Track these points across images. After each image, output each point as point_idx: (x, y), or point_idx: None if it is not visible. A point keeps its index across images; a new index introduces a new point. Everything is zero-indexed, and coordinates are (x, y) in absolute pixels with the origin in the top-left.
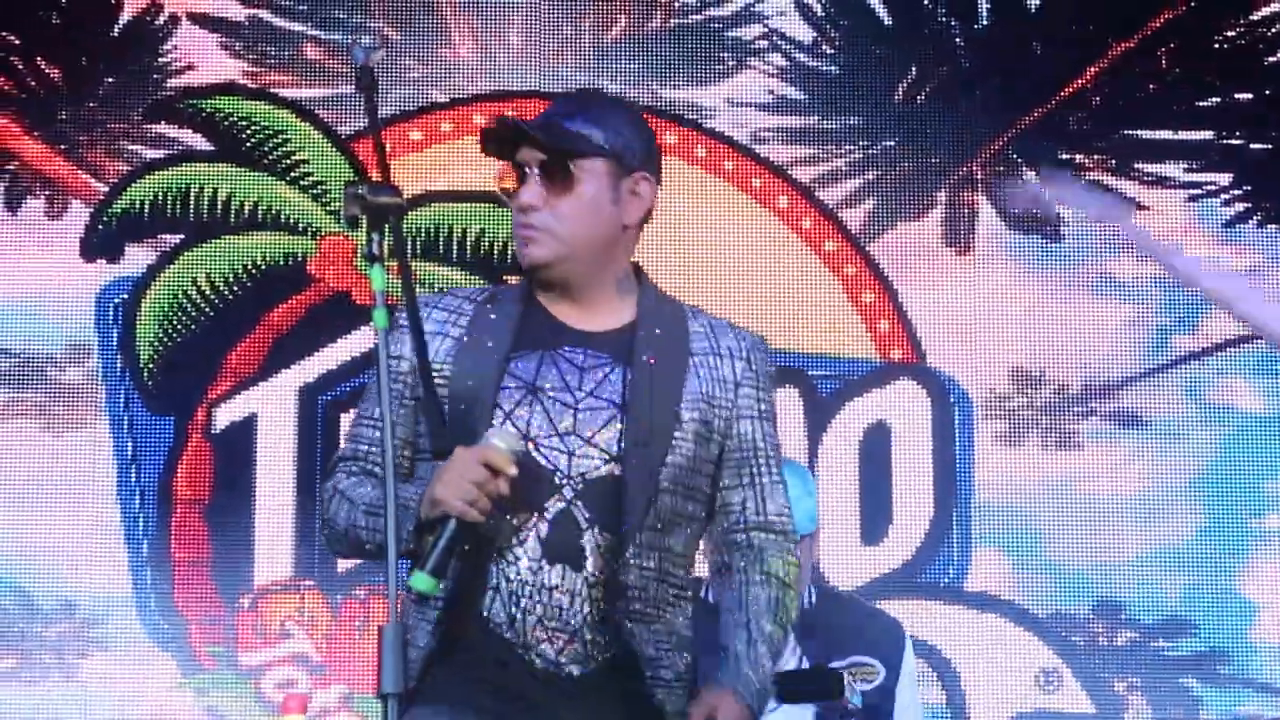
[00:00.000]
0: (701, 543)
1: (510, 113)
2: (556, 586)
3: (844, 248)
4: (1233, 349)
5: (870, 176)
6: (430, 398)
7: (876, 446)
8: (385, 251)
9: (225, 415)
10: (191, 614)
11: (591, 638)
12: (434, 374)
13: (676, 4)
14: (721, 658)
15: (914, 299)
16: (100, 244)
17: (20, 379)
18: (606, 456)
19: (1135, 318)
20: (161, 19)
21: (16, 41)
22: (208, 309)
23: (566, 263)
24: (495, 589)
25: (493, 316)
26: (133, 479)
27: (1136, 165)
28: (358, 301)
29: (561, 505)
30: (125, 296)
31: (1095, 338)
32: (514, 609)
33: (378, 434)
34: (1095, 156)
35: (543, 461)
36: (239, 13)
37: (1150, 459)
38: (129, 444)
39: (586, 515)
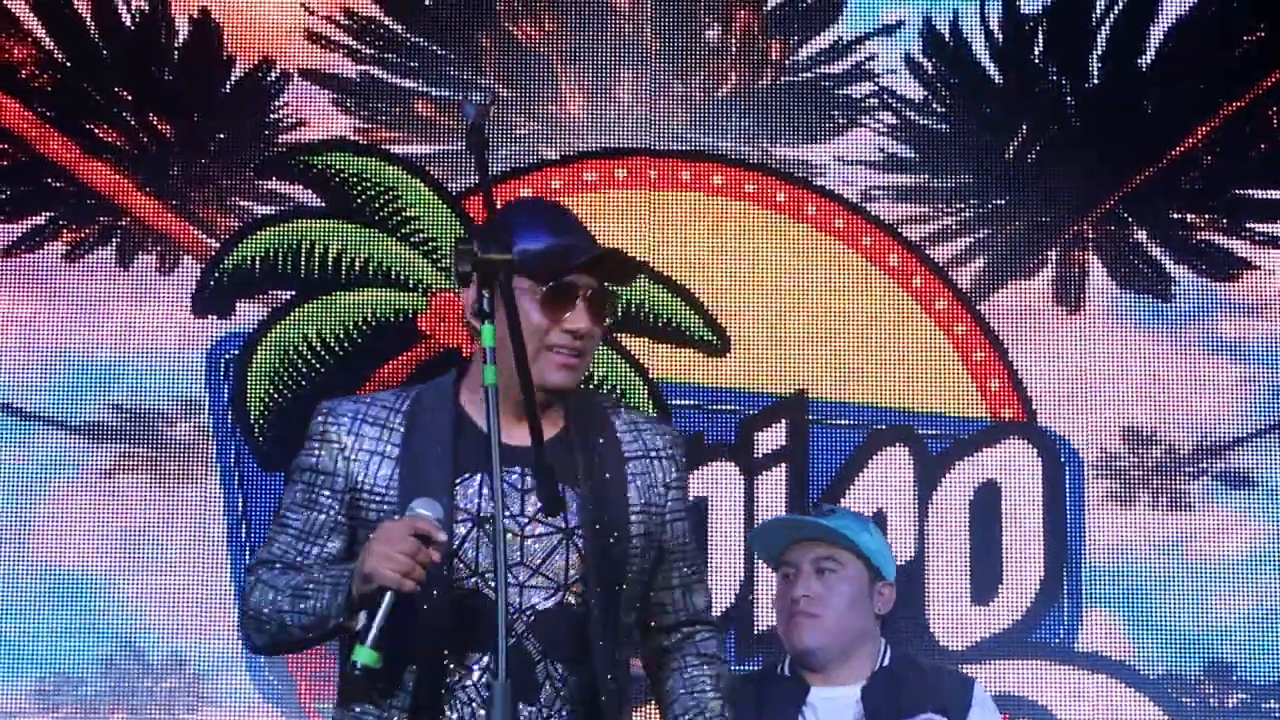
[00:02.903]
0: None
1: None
2: None
3: (954, 306)
4: None
5: (981, 235)
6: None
7: (987, 505)
8: (496, 309)
9: None
10: (301, 671)
11: None
12: (377, 500)
13: (787, 62)
14: None
15: (1024, 357)
16: (211, 300)
17: (132, 435)
18: (554, 585)
19: (1247, 377)
20: (273, 75)
21: (129, 97)
22: (319, 365)
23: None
24: None
25: (425, 432)
26: (243, 535)
27: (1248, 224)
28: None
29: (512, 640)
30: (236, 352)
31: (1206, 398)
32: None
33: (305, 545)
34: (1206, 215)
35: (491, 597)
36: (350, 69)
37: (1262, 519)
38: (240, 500)
39: (538, 647)
